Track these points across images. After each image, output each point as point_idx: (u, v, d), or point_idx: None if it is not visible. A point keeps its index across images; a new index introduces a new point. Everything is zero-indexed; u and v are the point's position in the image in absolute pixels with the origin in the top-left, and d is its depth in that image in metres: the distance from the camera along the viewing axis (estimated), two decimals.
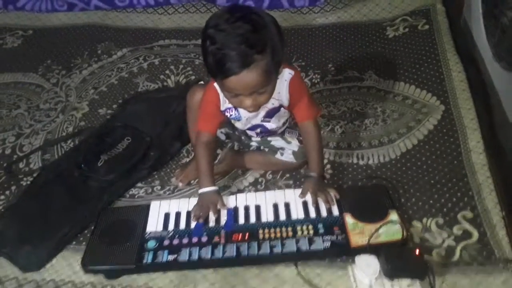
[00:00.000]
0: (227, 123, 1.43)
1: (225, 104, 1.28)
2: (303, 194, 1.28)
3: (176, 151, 1.54)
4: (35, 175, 1.51)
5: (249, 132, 1.41)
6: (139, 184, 1.46)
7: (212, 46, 1.06)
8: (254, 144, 1.46)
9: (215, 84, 1.23)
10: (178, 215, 1.28)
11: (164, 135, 1.53)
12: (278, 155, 1.41)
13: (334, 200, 1.26)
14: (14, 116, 1.80)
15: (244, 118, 1.31)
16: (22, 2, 2.34)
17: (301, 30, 2.02)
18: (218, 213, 1.26)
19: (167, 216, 1.28)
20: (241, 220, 1.25)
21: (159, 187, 1.45)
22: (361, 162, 1.43)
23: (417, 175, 1.36)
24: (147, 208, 1.31)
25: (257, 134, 1.40)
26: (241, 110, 1.28)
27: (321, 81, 1.74)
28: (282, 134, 1.43)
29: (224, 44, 1.05)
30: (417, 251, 1.08)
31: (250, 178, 1.44)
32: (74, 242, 1.31)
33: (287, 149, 1.40)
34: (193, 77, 1.84)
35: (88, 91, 1.86)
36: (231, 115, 1.31)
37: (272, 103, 1.27)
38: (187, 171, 1.46)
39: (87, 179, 1.43)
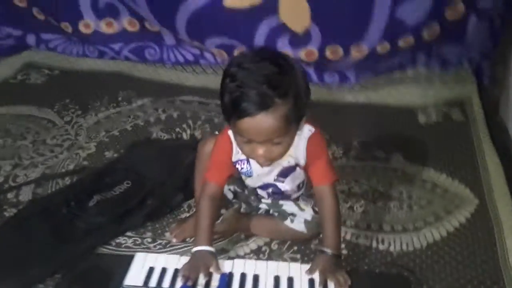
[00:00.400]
0: (237, 180, 1.31)
1: (237, 155, 1.17)
2: (311, 271, 1.11)
3: (177, 204, 1.40)
4: (21, 207, 1.38)
5: (259, 192, 1.27)
6: (128, 233, 1.31)
7: (231, 83, 0.98)
8: (263, 207, 1.32)
9: (229, 132, 1.13)
10: (163, 271, 1.11)
11: (167, 185, 1.40)
12: (287, 222, 1.26)
13: (346, 285, 1.08)
14: (17, 147, 1.70)
15: (256, 175, 1.19)
16: (54, 43, 2.34)
17: (328, 105, 1.93)
18: (209, 277, 1.09)
19: (151, 270, 1.11)
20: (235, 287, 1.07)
21: (149, 240, 1.30)
22: (381, 247, 1.26)
23: (445, 271, 1.18)
24: (130, 259, 1.15)
25: (269, 195, 1.27)
26: (253, 165, 1.17)
27: (344, 156, 1.62)
28: (296, 200, 1.29)
29: (244, 82, 0.96)
30: None
31: (252, 245, 1.28)
32: (41, 286, 1.14)
33: (299, 217, 1.26)
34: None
35: (99, 133, 1.77)
36: (242, 168, 1.19)
37: (287, 161, 1.16)
38: (184, 226, 1.31)
39: (74, 219, 1.29)
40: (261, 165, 1.11)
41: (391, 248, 1.26)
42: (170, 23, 2.02)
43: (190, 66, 2.24)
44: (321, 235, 1.21)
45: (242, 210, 1.36)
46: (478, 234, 1.28)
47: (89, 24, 2.20)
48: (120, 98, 2.01)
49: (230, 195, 1.35)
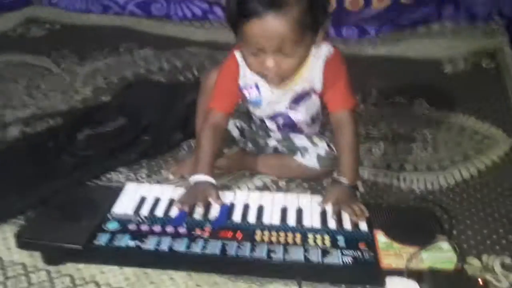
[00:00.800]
0: (243, 114, 1.17)
1: (245, 78, 1.04)
2: (324, 202, 0.97)
3: (176, 143, 1.27)
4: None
5: (268, 124, 1.13)
6: (121, 169, 1.18)
7: None
8: (272, 143, 1.18)
9: (236, 54, 1.01)
10: (156, 201, 0.98)
11: (165, 122, 1.27)
12: (298, 157, 1.12)
13: (364, 216, 0.93)
14: (9, 90, 1.59)
15: (266, 102, 1.05)
16: None
17: (345, 58, 1.78)
18: (207, 207, 0.96)
19: (142, 200, 0.98)
20: (236, 218, 0.93)
21: (143, 175, 1.16)
22: (402, 185, 1.12)
23: (476, 207, 1.03)
24: (120, 190, 1.02)
25: (279, 127, 1.13)
26: (262, 90, 1.04)
27: (362, 103, 1.47)
28: (308, 135, 1.15)
29: None
30: (481, 281, 0.73)
31: (258, 181, 1.14)
32: (21, 218, 1.02)
33: (311, 151, 1.11)
34: None
35: (96, 79, 1.65)
36: (250, 95, 1.05)
37: (301, 85, 1.02)
38: (183, 163, 1.18)
39: (62, 152, 1.16)
40: (271, 83, 0.98)
41: (414, 186, 1.11)
42: None
43: (198, 21, 2.11)
44: (334, 173, 1.06)
45: (247, 150, 1.23)
46: None
47: None
48: (121, 49, 1.89)
49: (235, 132, 1.21)
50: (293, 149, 1.13)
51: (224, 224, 0.90)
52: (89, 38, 2.02)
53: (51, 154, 1.17)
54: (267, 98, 1.05)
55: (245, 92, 1.05)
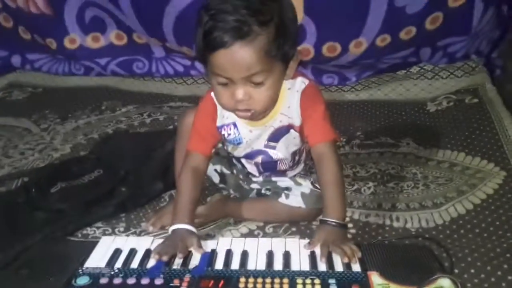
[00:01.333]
0: (223, 158, 1.13)
1: (222, 119, 1.01)
2: (311, 244, 0.90)
3: (156, 194, 1.21)
4: None
5: (248, 167, 1.09)
6: (98, 224, 1.11)
7: (205, 14, 0.83)
8: (254, 186, 1.13)
9: (212, 94, 0.98)
10: (132, 252, 0.91)
11: (144, 172, 1.21)
12: (282, 199, 1.07)
13: (356, 257, 0.87)
14: None
15: (245, 141, 1.02)
16: (40, 63, 2.24)
17: (327, 104, 1.77)
18: (187, 255, 0.89)
19: (117, 252, 0.91)
20: (218, 265, 0.86)
21: (122, 229, 1.10)
22: (395, 224, 1.06)
23: (476, 243, 0.97)
24: (94, 243, 0.95)
25: (259, 171, 1.08)
26: (240, 129, 1.01)
27: (347, 144, 1.44)
28: (292, 177, 1.10)
29: (219, 9, 0.82)
30: None
31: (243, 229, 1.08)
32: None
33: (295, 190, 1.06)
34: None
35: (77, 137, 1.61)
36: (229, 135, 1.02)
37: (279, 120, 0.99)
38: (162, 213, 1.11)
39: (33, 209, 1.10)
40: (244, 118, 0.94)
41: (408, 225, 1.05)
42: (157, 29, 1.91)
43: (181, 77, 2.11)
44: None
45: (231, 196, 1.18)
46: (510, 203, 1.07)
47: (74, 39, 2.10)
48: (103, 107, 1.87)
49: (216, 178, 1.17)
50: (276, 191, 1.08)
51: (204, 273, 0.83)
52: (72, 99, 2.00)
53: (23, 210, 1.10)
54: (246, 137, 1.01)
55: (224, 132, 1.02)
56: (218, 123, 1.01)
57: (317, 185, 1.05)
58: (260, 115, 0.95)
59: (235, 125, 1.00)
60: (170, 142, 1.24)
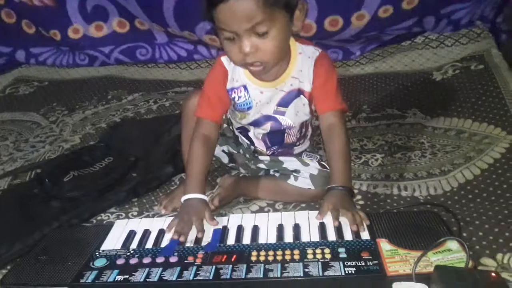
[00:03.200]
0: (230, 138, 1.14)
1: (233, 81, 1.01)
2: (321, 214, 0.92)
3: (167, 177, 1.23)
4: None
5: (256, 143, 1.10)
6: (111, 210, 1.13)
7: None
8: (262, 166, 1.14)
9: (223, 58, 1.00)
10: (146, 233, 0.93)
11: (153, 157, 1.23)
12: (291, 180, 1.07)
13: (364, 224, 0.88)
14: None
15: (255, 103, 1.02)
16: (44, 56, 2.26)
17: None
18: (203, 230, 0.91)
19: (131, 234, 0.93)
20: (230, 241, 0.88)
21: (135, 213, 1.12)
22: (403, 193, 1.07)
23: (484, 207, 0.98)
24: (109, 227, 0.97)
25: (266, 144, 1.09)
26: (251, 91, 1.01)
27: (353, 118, 1.44)
28: (298, 156, 1.11)
29: None
30: (494, 274, 0.67)
31: (253, 207, 1.10)
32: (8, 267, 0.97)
33: (303, 172, 1.06)
34: None
35: (85, 127, 1.63)
36: (239, 97, 1.02)
37: (290, 84, 0.99)
38: (173, 196, 1.13)
39: (48, 199, 1.12)
40: (257, 72, 0.94)
41: (416, 193, 1.06)
42: (158, 13, 1.91)
43: (184, 62, 2.11)
44: None
45: (241, 175, 1.19)
46: None
47: (78, 29, 2.11)
48: (109, 97, 1.88)
49: (225, 159, 1.18)
50: (284, 173, 1.09)
51: (217, 249, 0.85)
52: (78, 90, 2.02)
53: (38, 200, 1.13)
54: (256, 99, 1.01)
55: (234, 95, 1.02)
56: (228, 86, 1.01)
57: (324, 163, 1.06)
58: (272, 67, 0.94)
59: (245, 87, 1.01)
60: (177, 126, 1.26)
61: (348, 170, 0.96)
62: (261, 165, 1.14)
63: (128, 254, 0.86)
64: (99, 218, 1.11)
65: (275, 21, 0.85)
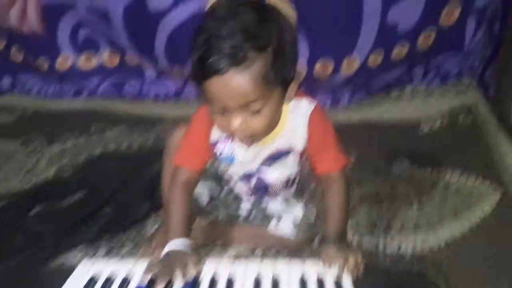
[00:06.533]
0: (212, 176, 1.09)
1: (218, 132, 0.95)
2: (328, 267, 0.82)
3: (142, 215, 1.16)
4: None
5: (239, 187, 1.05)
6: (80, 247, 1.06)
7: (200, 37, 0.77)
8: (244, 207, 1.08)
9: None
10: (108, 281, 0.85)
11: (129, 192, 1.17)
12: (271, 226, 1.02)
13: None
14: None
15: (239, 161, 0.97)
16: (30, 84, 2.22)
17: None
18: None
19: (91, 281, 0.85)
20: None
21: (104, 252, 1.05)
22: (388, 250, 1.02)
23: (474, 266, 0.93)
24: (69, 273, 0.89)
25: (250, 192, 1.04)
26: (236, 147, 0.95)
27: None
28: (284, 198, 1.06)
29: (214, 33, 0.76)
30: None
31: (231, 252, 1.03)
32: None
33: (286, 218, 1.01)
34: None
35: (63, 159, 1.57)
36: (223, 152, 0.97)
37: (277, 143, 0.94)
38: (158, 239, 1.05)
39: (12, 230, 1.05)
40: (245, 144, 0.89)
41: (402, 249, 1.01)
42: (149, 48, 1.89)
43: (172, 99, 2.08)
44: (315, 241, 0.96)
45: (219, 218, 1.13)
46: (507, 225, 1.04)
47: (67, 58, 2.08)
48: (92, 129, 1.83)
49: (204, 199, 1.12)
50: (266, 217, 1.04)
51: None
52: (61, 121, 1.97)
53: (1, 233, 1.05)
54: (239, 156, 0.96)
55: (218, 148, 0.96)
56: (213, 138, 0.95)
57: (310, 207, 1.01)
58: (261, 139, 0.90)
59: (230, 140, 0.96)
60: (158, 162, 1.20)
61: (344, 226, 0.90)
62: (244, 207, 1.08)
63: None
64: (64, 256, 1.04)
65: (270, 99, 0.80)
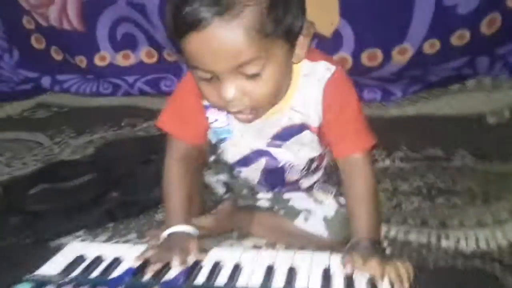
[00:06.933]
0: (225, 166, 0.91)
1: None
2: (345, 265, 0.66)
3: (153, 202, 1.02)
4: None
5: (246, 174, 0.87)
6: (79, 233, 0.94)
7: None
8: (263, 204, 0.91)
9: None
10: (96, 260, 0.72)
11: (141, 176, 1.04)
12: (299, 221, 0.84)
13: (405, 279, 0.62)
14: None
15: (239, 134, 0.80)
16: (69, 84, 2.18)
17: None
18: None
19: (78, 259, 0.72)
20: (199, 280, 0.65)
21: (104, 239, 0.91)
22: (444, 244, 0.81)
23: None
24: (57, 249, 0.77)
25: (263, 182, 0.86)
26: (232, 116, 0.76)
27: (388, 157, 1.21)
28: (309, 189, 0.88)
29: None
30: None
31: (247, 243, 0.86)
32: None
33: (316, 213, 0.83)
34: None
35: (87, 150, 1.47)
36: (216, 120, 0.79)
37: (288, 117, 0.76)
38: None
39: (8, 211, 0.94)
40: (245, 121, 0.71)
41: (462, 245, 0.80)
42: None
43: None
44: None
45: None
46: None
47: (105, 56, 2.03)
48: (123, 124, 1.74)
49: (221, 189, 0.96)
50: (291, 211, 0.86)
51: (178, 286, 0.62)
52: (94, 117, 1.90)
53: None
54: (239, 127, 0.78)
55: (210, 116, 0.79)
56: (206, 102, 0.77)
57: (342, 201, 0.83)
58: (264, 113, 0.72)
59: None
60: None
61: (374, 219, 0.72)
62: (262, 202, 0.91)
63: (61, 282, 0.65)
64: (63, 240, 0.91)
65: (271, 57, 0.62)
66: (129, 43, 2.00)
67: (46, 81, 2.21)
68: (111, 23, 1.98)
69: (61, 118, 1.91)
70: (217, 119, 0.78)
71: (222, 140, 0.81)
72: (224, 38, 0.58)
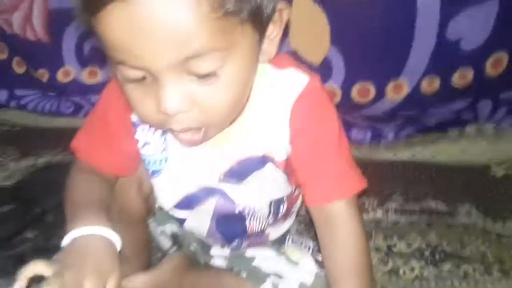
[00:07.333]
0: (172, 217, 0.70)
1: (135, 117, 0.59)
2: None
3: None
4: None
5: (190, 222, 0.67)
6: None
7: None
8: (219, 263, 0.70)
9: None
10: None
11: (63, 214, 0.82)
12: (266, 286, 0.62)
13: None
14: None
15: (176, 160, 0.59)
16: (27, 100, 1.97)
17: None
18: None
19: None
20: None
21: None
22: None
23: None
24: None
25: (215, 230, 0.66)
26: (170, 141, 0.57)
27: (379, 207, 1.01)
28: (278, 244, 0.67)
29: None
30: None
31: None
32: None
33: (289, 277, 0.62)
34: None
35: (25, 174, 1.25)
36: (146, 143, 0.59)
37: (243, 147, 0.56)
38: None
39: None
40: (191, 143, 0.52)
41: None
42: None
43: None
44: None
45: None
46: None
47: (69, 71, 1.83)
48: None
49: (166, 244, 0.74)
50: (255, 274, 0.65)
51: None
52: (48, 139, 1.68)
53: None
54: (178, 153, 0.58)
55: (140, 136, 0.58)
56: (135, 117, 0.58)
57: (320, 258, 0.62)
58: (217, 133, 0.53)
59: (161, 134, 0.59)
60: None
61: None
62: (216, 262, 0.70)
63: None
64: None
65: (233, 50, 0.44)
66: (97, 58, 1.81)
67: (2, 95, 1.99)
68: (78, 35, 1.79)
69: (10, 138, 1.69)
70: (148, 142, 0.57)
71: (154, 174, 0.59)
72: (163, 13, 0.39)
